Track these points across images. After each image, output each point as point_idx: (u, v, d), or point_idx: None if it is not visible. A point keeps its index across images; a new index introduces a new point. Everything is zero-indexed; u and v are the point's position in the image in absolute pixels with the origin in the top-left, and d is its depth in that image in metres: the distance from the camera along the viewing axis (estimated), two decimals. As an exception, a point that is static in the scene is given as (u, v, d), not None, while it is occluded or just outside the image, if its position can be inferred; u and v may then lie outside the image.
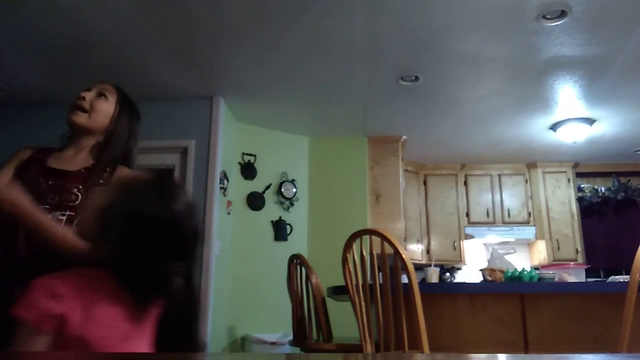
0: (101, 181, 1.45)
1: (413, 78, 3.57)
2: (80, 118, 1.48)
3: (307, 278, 2.71)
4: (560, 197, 5.43)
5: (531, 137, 4.77)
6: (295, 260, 2.84)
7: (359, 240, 2.56)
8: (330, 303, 2.81)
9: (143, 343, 0.98)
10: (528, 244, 5.58)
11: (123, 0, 2.65)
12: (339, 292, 2.81)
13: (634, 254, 1.63)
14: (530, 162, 5.49)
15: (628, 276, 1.72)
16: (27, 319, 0.87)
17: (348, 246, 2.57)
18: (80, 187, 1.41)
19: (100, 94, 1.52)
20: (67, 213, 1.36)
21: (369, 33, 2.99)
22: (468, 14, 2.79)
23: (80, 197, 1.39)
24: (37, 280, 0.92)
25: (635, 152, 5.23)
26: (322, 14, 2.78)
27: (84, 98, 1.49)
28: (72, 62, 3.28)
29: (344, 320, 3.12)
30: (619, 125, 4.50)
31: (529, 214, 5.47)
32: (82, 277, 0.97)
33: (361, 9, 2.74)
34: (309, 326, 2.70)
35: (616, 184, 5.50)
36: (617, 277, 2.93)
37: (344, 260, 2.55)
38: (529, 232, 5.40)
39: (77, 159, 1.49)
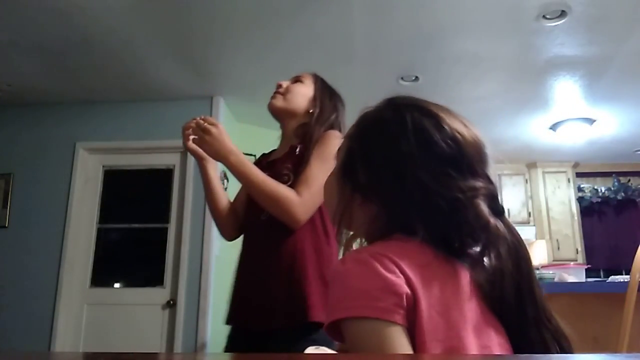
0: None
1: (413, 78, 3.56)
2: (277, 101, 1.53)
3: (307, 278, 2.71)
4: (560, 197, 5.43)
5: (531, 137, 4.76)
6: (295, 260, 2.83)
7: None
8: (330, 303, 2.80)
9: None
10: (528, 244, 5.53)
11: (123, 1, 2.65)
12: (339, 292, 2.81)
13: (634, 254, 1.63)
14: (530, 162, 5.49)
15: (628, 276, 1.72)
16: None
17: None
18: (290, 165, 1.41)
19: (296, 80, 1.57)
20: None
21: (369, 33, 2.99)
22: (468, 14, 2.79)
23: (292, 175, 1.39)
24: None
25: (635, 152, 5.23)
26: (322, 14, 2.78)
27: (280, 85, 1.56)
28: (72, 62, 3.28)
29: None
30: (619, 125, 4.50)
31: (529, 214, 5.46)
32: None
33: (361, 9, 2.74)
34: (309, 326, 2.70)
35: (616, 184, 5.50)
36: (617, 277, 2.93)
37: (344, 260, 2.56)
38: (529, 232, 5.39)
39: (285, 146, 1.52)
